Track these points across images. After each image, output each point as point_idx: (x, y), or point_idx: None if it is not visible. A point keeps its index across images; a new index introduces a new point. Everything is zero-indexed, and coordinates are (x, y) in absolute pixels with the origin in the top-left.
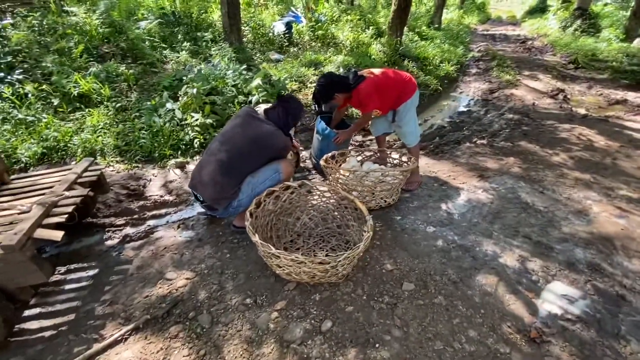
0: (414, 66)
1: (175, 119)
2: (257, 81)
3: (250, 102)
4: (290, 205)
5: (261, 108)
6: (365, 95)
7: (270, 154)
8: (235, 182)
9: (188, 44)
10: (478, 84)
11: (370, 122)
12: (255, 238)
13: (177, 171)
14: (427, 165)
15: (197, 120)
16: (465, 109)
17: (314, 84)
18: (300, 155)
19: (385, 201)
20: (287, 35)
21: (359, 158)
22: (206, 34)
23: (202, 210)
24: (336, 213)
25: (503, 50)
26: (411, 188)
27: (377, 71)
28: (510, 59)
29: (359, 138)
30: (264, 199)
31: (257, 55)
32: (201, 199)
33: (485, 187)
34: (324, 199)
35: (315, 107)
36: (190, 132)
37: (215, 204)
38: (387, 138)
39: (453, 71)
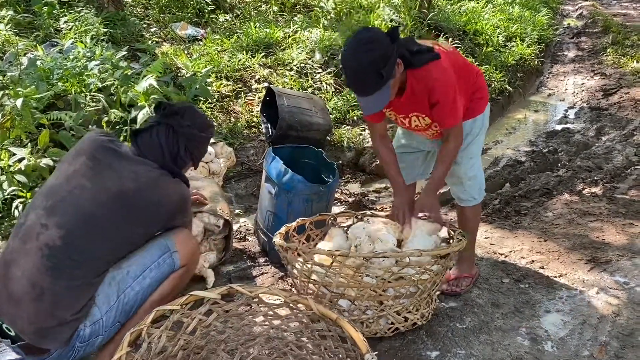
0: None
1: None
2: (149, 80)
3: (134, 121)
4: (205, 339)
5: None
6: (443, 84)
7: (153, 223)
8: (82, 286)
9: (11, 10)
10: (580, 78)
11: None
12: None
13: None
14: (487, 240)
15: (21, 160)
16: (558, 127)
17: (267, 86)
18: (232, 225)
19: (407, 319)
20: None
21: (354, 231)
22: None
23: (16, 357)
24: (304, 351)
25: (623, 15)
26: (457, 290)
27: (444, 45)
28: (638, 29)
29: (353, 189)
30: (147, 330)
31: (153, 30)
32: (11, 333)
33: (602, 283)
34: (276, 322)
35: (265, 125)
36: (6, 184)
37: (40, 339)
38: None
39: (532, 55)
